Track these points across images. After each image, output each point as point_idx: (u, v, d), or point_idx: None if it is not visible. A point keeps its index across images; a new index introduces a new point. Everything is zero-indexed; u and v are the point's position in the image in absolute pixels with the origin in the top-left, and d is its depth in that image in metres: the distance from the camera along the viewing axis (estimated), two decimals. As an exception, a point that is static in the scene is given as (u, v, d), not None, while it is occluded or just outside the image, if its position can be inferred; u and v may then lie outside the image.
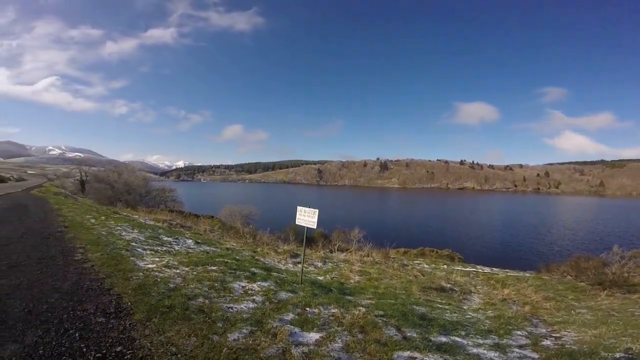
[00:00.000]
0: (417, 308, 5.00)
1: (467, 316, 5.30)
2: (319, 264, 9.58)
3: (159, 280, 4.11)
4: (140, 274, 4.33)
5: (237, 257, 7.04)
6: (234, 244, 11.40)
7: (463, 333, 4.00)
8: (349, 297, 4.98)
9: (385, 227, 39.62)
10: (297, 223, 5.48)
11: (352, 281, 7.48)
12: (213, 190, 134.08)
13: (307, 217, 5.28)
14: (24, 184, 41.10)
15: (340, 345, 2.94)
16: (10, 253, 4.94)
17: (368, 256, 11.80)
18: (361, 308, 4.01)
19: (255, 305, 3.59)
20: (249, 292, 4.13)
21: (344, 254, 12.75)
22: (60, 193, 25.80)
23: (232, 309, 3.38)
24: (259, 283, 4.55)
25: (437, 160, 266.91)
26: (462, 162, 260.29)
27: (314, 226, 5.21)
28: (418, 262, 13.31)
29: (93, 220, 9.46)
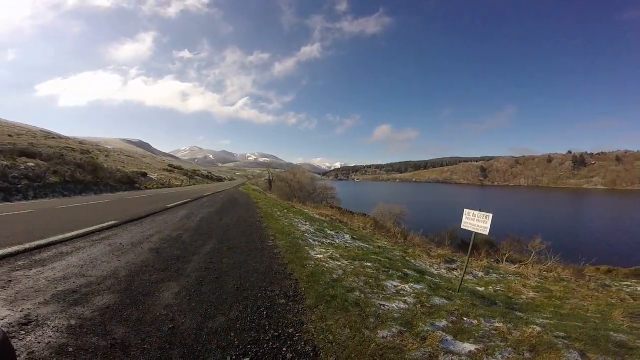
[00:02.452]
0: (615, 335, 3.88)
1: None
2: (480, 274, 9.00)
3: (325, 270, 4.47)
4: (312, 262, 4.79)
5: (389, 257, 7.13)
6: (385, 243, 11.62)
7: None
8: (519, 314, 4.50)
9: (581, 239, 30.64)
10: (462, 227, 4.97)
11: (523, 297, 6.74)
12: (365, 189, 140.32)
13: (476, 222, 4.83)
14: (233, 182, 56.00)
15: (500, 361, 2.55)
16: (230, 237, 6.25)
17: (550, 271, 10.28)
18: (535, 327, 3.49)
19: (407, 306, 3.55)
20: (401, 292, 4.11)
21: (515, 265, 11.70)
22: (256, 190, 33.49)
23: (384, 306, 3.42)
24: (412, 285, 4.48)
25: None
26: None
27: (486, 232, 4.60)
28: (629, 283, 10.25)
29: (279, 213, 11.56)
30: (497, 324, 3.48)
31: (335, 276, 4.23)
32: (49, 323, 2.25)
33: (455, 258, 11.37)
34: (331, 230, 10.02)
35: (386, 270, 5.12)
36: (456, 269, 9.56)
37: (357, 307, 3.25)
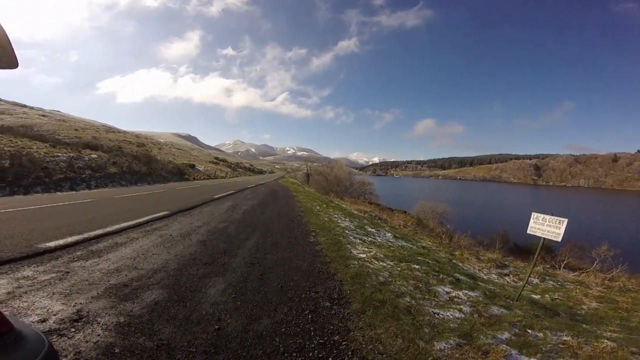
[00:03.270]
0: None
1: None
2: (535, 280, 8.61)
3: (370, 272, 4.23)
4: (355, 262, 4.57)
5: (436, 259, 6.74)
6: (429, 243, 11.16)
7: None
8: (585, 326, 4.25)
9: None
10: (529, 232, 4.65)
11: (584, 307, 6.32)
12: (404, 185, 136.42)
13: (547, 227, 4.54)
14: (273, 175, 57.39)
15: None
16: (273, 231, 6.20)
17: (615, 281, 9.44)
18: (607, 341, 3.30)
19: (463, 315, 3.33)
20: (455, 299, 3.88)
21: (575, 273, 11.20)
22: (295, 183, 33.93)
23: (438, 315, 3.22)
24: (466, 292, 4.22)
25: None
26: None
27: (558, 239, 4.33)
28: None
29: (318, 208, 11.45)
30: (564, 337, 3.29)
31: (381, 278, 4.01)
32: (98, 320, 2.26)
33: (506, 263, 10.63)
34: (371, 228, 9.73)
35: (436, 274, 4.84)
36: (508, 275, 8.91)
37: (409, 315, 3.02)
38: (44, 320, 2.14)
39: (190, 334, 2.20)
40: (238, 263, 3.95)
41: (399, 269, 4.67)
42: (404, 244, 8.59)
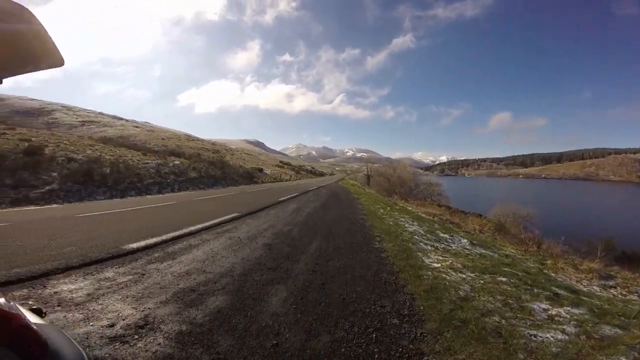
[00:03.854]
0: None
1: None
2: None
3: (447, 284, 3.68)
4: (429, 273, 4.06)
5: (525, 269, 5.79)
6: (512, 251, 9.80)
7: None
8: None
9: None
10: None
11: None
12: (478, 185, 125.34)
13: None
14: (333, 177, 57.78)
15: None
16: (335, 235, 5.99)
17: None
18: None
19: (567, 337, 2.83)
20: (555, 318, 3.31)
21: None
22: (355, 185, 33.57)
23: (535, 337, 2.73)
24: (568, 308, 3.63)
25: None
26: None
27: None
28: None
29: (382, 210, 10.96)
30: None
31: (462, 293, 3.49)
32: (162, 327, 2.26)
33: (612, 273, 8.84)
34: (444, 233, 8.88)
35: (528, 287, 4.17)
36: (615, 287, 7.39)
37: (499, 337, 2.57)
38: (112, 326, 2.21)
39: (248, 348, 2.08)
40: (300, 269, 3.81)
41: (482, 281, 4.08)
42: (484, 251, 7.69)
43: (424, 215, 14.36)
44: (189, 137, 52.26)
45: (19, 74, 0.83)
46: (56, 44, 0.77)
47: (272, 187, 23.34)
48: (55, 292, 2.69)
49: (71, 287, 2.83)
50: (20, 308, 0.69)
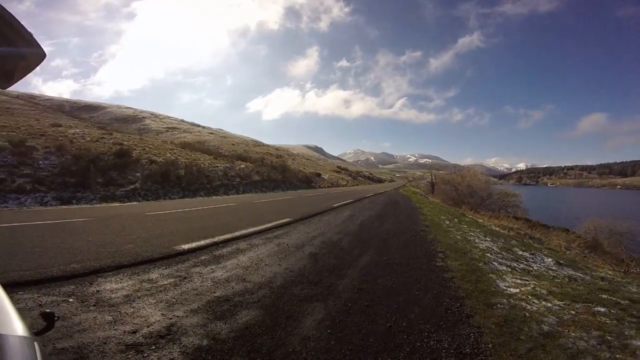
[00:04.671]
0: None
1: None
2: None
3: (527, 315, 2.95)
4: (504, 300, 3.31)
5: (629, 297, 4.51)
6: (609, 272, 8.01)
7: None
8: None
9: None
10: None
11: None
12: (564, 197, 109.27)
13: None
14: (393, 184, 55.75)
15: None
16: (390, 249, 5.47)
17: None
18: None
19: None
20: None
21: None
22: (417, 193, 31.70)
23: None
24: None
25: None
26: None
27: None
28: None
29: (447, 222, 9.91)
30: None
31: (545, 327, 2.79)
32: (182, 339, 2.11)
33: None
34: (523, 251, 7.60)
35: (634, 320, 3.23)
36: None
37: None
38: (134, 332, 2.14)
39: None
40: (345, 286, 3.41)
41: (572, 312, 3.29)
42: (573, 273, 6.42)
43: (495, 228, 12.69)
44: (256, 143, 55.67)
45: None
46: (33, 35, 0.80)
47: (328, 192, 23.30)
48: (98, 291, 2.77)
49: (114, 286, 2.90)
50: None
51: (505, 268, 5.19)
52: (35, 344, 0.61)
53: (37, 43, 0.83)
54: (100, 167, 12.04)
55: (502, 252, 6.61)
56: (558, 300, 3.67)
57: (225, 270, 3.59)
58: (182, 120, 58.69)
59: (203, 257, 4.01)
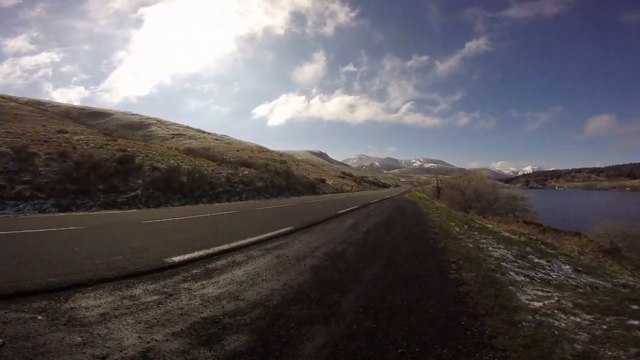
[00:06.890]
0: None
1: None
2: None
3: (557, 334, 2.58)
4: (529, 317, 2.93)
5: None
6: (629, 278, 7.52)
7: None
8: None
9: None
10: None
11: None
12: (572, 200, 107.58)
13: None
14: (399, 189, 55.22)
15: None
16: (398, 260, 5.12)
17: None
18: None
19: None
20: None
21: None
22: (423, 198, 31.20)
23: None
24: None
25: None
26: None
27: None
28: None
29: (457, 229, 9.50)
30: None
31: (579, 347, 2.40)
32: None
33: None
34: (539, 258, 7.15)
35: None
36: None
37: None
38: (103, 358, 1.85)
39: None
40: (349, 304, 3.07)
41: (604, 326, 2.89)
42: (594, 280, 5.95)
43: (505, 234, 12.22)
44: (261, 149, 55.67)
45: None
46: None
47: (332, 198, 22.94)
48: (72, 308, 2.50)
49: (91, 303, 2.62)
50: None
51: (523, 278, 4.79)
52: None
53: None
54: (101, 173, 11.90)
55: (518, 261, 6.20)
56: (586, 314, 3.28)
57: (217, 286, 3.27)
58: (188, 127, 59.05)
59: (195, 271, 3.70)
